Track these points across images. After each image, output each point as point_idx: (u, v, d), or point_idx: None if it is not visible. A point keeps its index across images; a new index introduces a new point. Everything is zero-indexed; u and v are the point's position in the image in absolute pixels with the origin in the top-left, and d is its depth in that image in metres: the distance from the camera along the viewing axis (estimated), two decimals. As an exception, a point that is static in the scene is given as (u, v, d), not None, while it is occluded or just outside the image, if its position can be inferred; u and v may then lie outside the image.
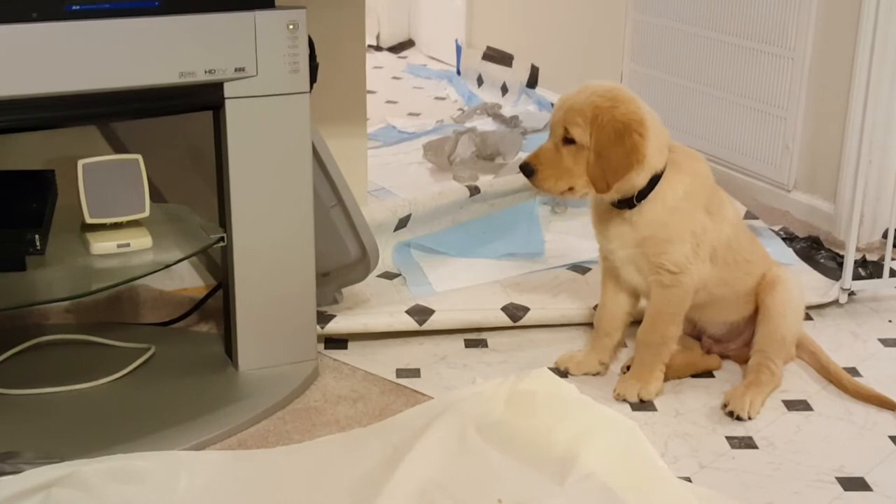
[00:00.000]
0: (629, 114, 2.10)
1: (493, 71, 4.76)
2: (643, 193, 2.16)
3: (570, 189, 2.17)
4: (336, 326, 2.44)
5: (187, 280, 2.66)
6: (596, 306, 2.44)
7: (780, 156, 3.21)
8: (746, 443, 2.11)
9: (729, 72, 3.34)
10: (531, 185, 2.21)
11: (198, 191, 2.40)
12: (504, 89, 4.63)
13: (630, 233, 2.20)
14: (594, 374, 2.36)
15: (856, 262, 2.70)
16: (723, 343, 2.41)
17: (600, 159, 2.11)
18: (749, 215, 3.13)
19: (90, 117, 2.14)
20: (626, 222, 2.20)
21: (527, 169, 2.18)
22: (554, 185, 2.16)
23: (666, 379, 2.28)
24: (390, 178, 3.53)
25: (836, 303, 2.68)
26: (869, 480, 1.99)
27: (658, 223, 2.17)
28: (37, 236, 2.06)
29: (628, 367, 2.32)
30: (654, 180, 2.16)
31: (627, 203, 2.18)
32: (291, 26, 2.08)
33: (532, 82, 4.54)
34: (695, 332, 2.43)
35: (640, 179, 2.14)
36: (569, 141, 2.14)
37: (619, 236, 2.22)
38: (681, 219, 2.18)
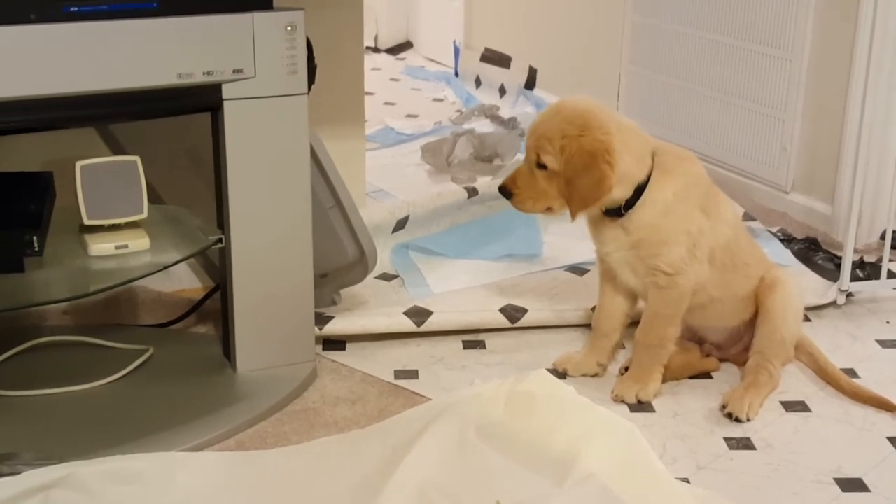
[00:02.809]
0: (596, 143, 2.11)
1: (492, 72, 4.75)
2: (630, 203, 2.17)
3: (549, 209, 2.21)
4: (334, 328, 2.44)
5: (185, 281, 2.66)
6: (594, 308, 2.44)
7: (777, 157, 3.21)
8: (744, 444, 2.11)
9: (727, 73, 3.34)
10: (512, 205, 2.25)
11: (196, 192, 2.40)
12: (502, 91, 4.63)
13: (623, 236, 2.20)
14: (592, 376, 2.36)
15: (853, 263, 2.70)
16: (723, 349, 2.41)
17: (569, 187, 2.13)
18: (747, 217, 3.13)
19: (88, 119, 2.14)
20: (618, 226, 2.20)
21: (505, 191, 2.22)
22: (532, 206, 2.21)
23: (664, 380, 2.28)
24: (388, 179, 3.53)
25: (833, 304, 2.68)
26: (867, 481, 1.99)
27: (650, 226, 2.18)
28: (35, 238, 2.06)
29: (626, 369, 2.32)
30: (640, 190, 2.16)
31: (615, 212, 2.18)
32: (289, 28, 2.08)
33: (530, 84, 4.54)
34: (695, 339, 2.43)
35: (617, 194, 2.15)
36: (542, 166, 2.16)
37: (613, 239, 2.22)
38: (674, 220, 2.18)
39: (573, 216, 2.17)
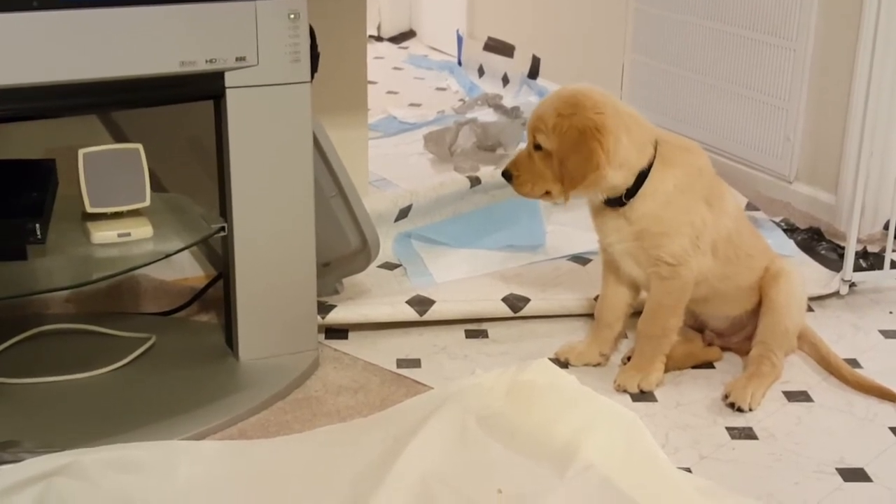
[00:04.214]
0: (586, 120, 2.11)
1: (495, 61, 4.74)
2: (631, 191, 2.16)
3: (548, 193, 2.20)
4: (337, 316, 2.44)
5: (188, 270, 2.65)
6: (597, 297, 2.44)
7: (781, 147, 3.20)
8: (747, 434, 2.11)
9: (730, 62, 3.33)
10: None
11: (198, 180, 2.40)
12: (505, 80, 4.62)
13: (626, 227, 2.20)
14: (595, 365, 2.36)
15: (857, 253, 2.70)
16: (725, 337, 2.41)
17: (561, 166, 2.13)
18: (750, 206, 3.13)
19: (91, 106, 2.14)
20: (621, 217, 2.20)
21: (506, 175, 2.24)
22: (531, 189, 2.21)
23: (666, 370, 2.28)
24: (391, 168, 3.52)
25: (836, 294, 2.68)
26: (869, 471, 1.99)
27: (652, 217, 2.17)
28: (38, 225, 2.06)
29: (629, 358, 2.32)
30: (641, 178, 2.16)
31: (617, 201, 2.18)
32: (292, 16, 2.08)
33: (533, 73, 4.53)
34: (697, 326, 2.43)
35: (617, 179, 2.14)
36: (538, 147, 2.16)
37: (615, 230, 2.22)
38: (677, 211, 2.18)
39: (566, 197, 2.17)
